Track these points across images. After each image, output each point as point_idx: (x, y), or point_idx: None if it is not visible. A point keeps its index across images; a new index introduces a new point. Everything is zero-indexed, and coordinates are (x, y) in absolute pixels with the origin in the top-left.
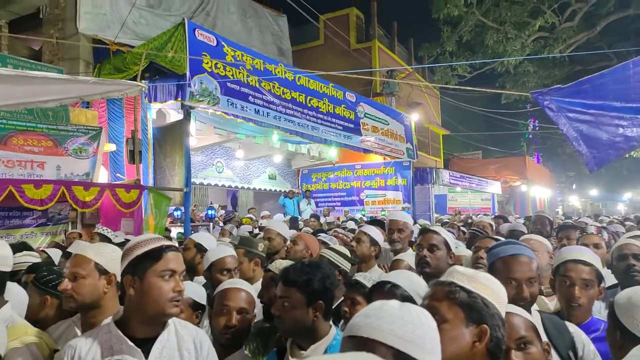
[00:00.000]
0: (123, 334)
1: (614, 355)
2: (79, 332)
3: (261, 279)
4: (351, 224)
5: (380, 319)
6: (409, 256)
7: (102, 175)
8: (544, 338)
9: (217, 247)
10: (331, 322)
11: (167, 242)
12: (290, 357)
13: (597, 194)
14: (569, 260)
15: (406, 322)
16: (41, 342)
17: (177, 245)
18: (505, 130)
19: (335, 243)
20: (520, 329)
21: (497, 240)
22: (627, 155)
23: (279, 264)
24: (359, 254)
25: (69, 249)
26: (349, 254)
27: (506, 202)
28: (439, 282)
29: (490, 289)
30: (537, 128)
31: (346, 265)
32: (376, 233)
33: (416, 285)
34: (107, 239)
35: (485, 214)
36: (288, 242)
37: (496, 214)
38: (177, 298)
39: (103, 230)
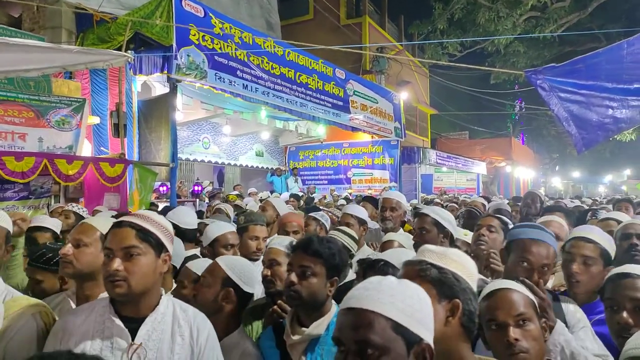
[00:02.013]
0: (115, 312)
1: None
2: (73, 305)
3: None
4: (342, 202)
5: (380, 292)
6: (399, 236)
7: (86, 149)
8: None
9: (217, 223)
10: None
11: (121, 220)
12: (291, 335)
13: (579, 176)
14: (573, 237)
15: (406, 297)
16: (44, 310)
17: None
18: (492, 111)
19: (327, 220)
20: (519, 306)
21: (499, 218)
22: (610, 138)
23: (281, 240)
24: None
25: (33, 223)
26: (356, 236)
27: (490, 183)
28: (410, 262)
29: (461, 264)
30: (523, 109)
31: (353, 248)
32: (361, 211)
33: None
34: (81, 218)
35: (466, 195)
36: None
37: (480, 195)
38: (111, 278)
39: (78, 208)
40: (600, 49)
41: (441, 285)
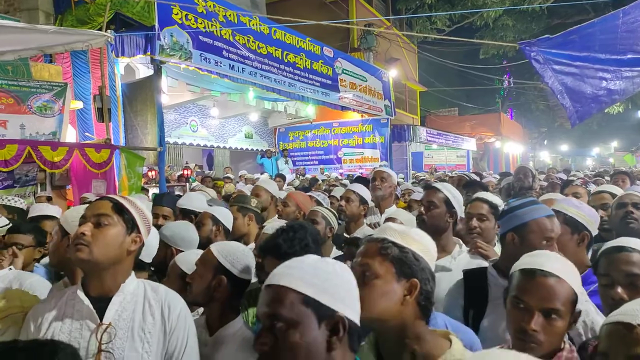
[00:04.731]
0: (84, 293)
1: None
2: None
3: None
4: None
5: (294, 268)
6: (403, 215)
7: (70, 135)
8: None
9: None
10: None
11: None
12: None
13: (567, 149)
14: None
15: (319, 271)
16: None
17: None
18: (481, 87)
19: (325, 199)
20: (557, 300)
21: (488, 202)
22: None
23: (275, 224)
24: (348, 213)
25: (34, 213)
26: (335, 213)
27: (480, 159)
28: (372, 239)
29: (422, 244)
30: (512, 84)
31: (334, 224)
32: (365, 191)
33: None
34: (14, 210)
35: (456, 171)
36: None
37: (471, 171)
38: (75, 241)
39: (4, 200)
40: (595, 19)
41: (401, 264)
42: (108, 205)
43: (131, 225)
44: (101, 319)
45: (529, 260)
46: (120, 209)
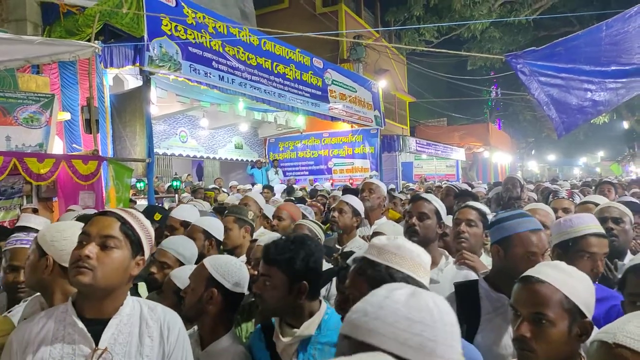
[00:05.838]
0: (77, 315)
1: None
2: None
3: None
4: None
5: (379, 318)
6: (389, 226)
7: (57, 146)
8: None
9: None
10: (320, 298)
11: (107, 210)
12: (281, 336)
13: (555, 159)
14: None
15: (413, 322)
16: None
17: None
18: (469, 97)
19: (311, 213)
20: (542, 305)
21: (477, 209)
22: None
23: (270, 237)
24: (341, 224)
25: (19, 223)
26: (322, 225)
27: (469, 169)
28: (355, 259)
29: (400, 257)
30: (499, 95)
31: (321, 237)
32: (358, 203)
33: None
34: None
35: (446, 181)
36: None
37: (461, 181)
38: (79, 264)
39: None
40: (579, 32)
41: (373, 282)
42: (116, 226)
43: (137, 248)
44: (96, 343)
45: (533, 269)
46: (128, 229)
